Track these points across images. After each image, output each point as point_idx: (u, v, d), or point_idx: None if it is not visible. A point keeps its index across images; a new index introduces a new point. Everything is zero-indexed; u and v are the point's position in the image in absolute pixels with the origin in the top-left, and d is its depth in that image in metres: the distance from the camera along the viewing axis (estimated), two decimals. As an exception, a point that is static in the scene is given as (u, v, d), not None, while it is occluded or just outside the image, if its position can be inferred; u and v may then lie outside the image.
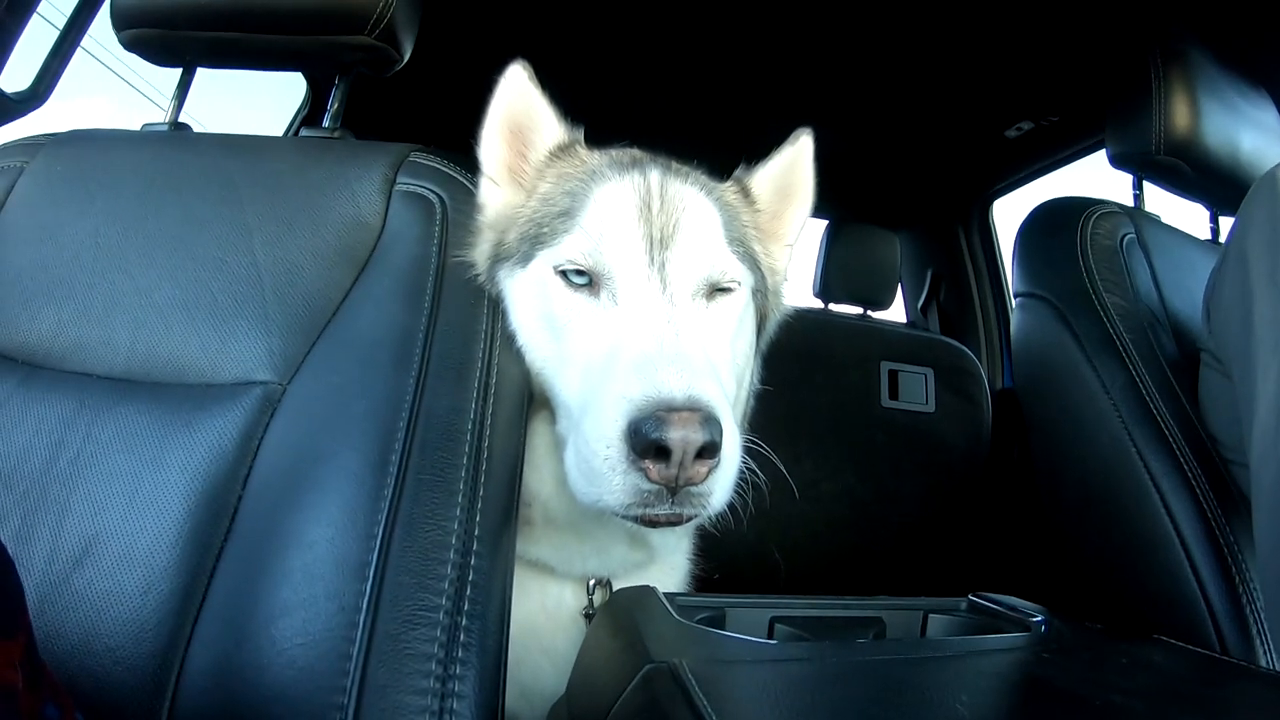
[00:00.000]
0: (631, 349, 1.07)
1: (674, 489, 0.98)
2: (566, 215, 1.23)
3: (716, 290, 1.24)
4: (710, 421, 0.95)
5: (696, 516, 1.05)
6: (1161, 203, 2.14)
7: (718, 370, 1.14)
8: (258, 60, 1.48)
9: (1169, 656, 1.21)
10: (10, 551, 0.64)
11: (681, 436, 0.93)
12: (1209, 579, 1.53)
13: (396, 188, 1.25)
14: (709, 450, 0.96)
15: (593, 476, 1.01)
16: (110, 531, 0.99)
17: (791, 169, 1.48)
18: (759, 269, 1.35)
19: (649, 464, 0.96)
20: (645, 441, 0.94)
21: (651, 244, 1.18)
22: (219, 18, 1.36)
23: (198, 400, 1.07)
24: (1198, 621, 1.52)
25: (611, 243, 1.18)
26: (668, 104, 3.00)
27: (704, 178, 1.36)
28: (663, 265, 1.18)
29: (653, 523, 1.04)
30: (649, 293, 1.16)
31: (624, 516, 1.04)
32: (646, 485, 0.98)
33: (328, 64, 1.44)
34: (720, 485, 1.03)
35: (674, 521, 1.05)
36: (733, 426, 1.04)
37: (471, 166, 1.34)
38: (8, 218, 1.27)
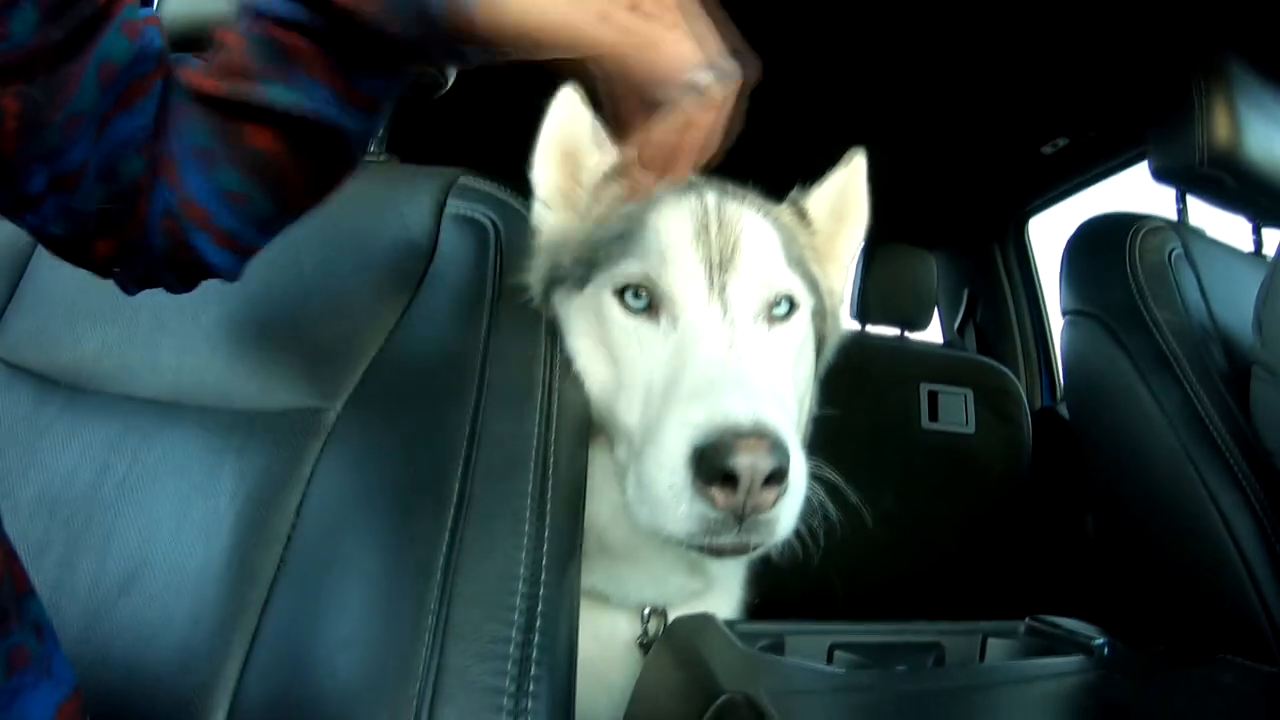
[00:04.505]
0: (694, 374, 1.05)
1: (740, 517, 0.95)
2: (623, 238, 1.21)
3: (777, 312, 1.22)
4: (777, 447, 0.92)
5: (763, 545, 1.02)
6: (1200, 216, 2.13)
7: (781, 394, 1.13)
8: None
9: (1240, 678, 1.19)
10: (53, 577, 0.64)
11: (749, 463, 0.90)
12: (1271, 596, 1.50)
13: (447, 212, 1.23)
14: (777, 476, 0.93)
15: (656, 505, 0.98)
16: (158, 558, 0.98)
17: (845, 190, 1.46)
18: (818, 291, 1.33)
19: (715, 491, 0.93)
20: (712, 468, 0.91)
21: (710, 266, 1.16)
22: None
23: (247, 425, 1.06)
24: (1260, 639, 1.49)
25: (670, 266, 1.16)
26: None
27: (760, 199, 1.33)
28: (723, 288, 1.16)
29: (718, 552, 1.01)
30: (710, 316, 1.14)
31: (688, 546, 1.01)
32: (712, 513, 0.94)
33: None
34: (787, 512, 0.99)
35: (740, 551, 1.01)
36: (799, 452, 1.01)
37: (519, 190, 1.32)
38: None
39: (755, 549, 1.03)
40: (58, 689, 0.63)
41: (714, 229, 1.20)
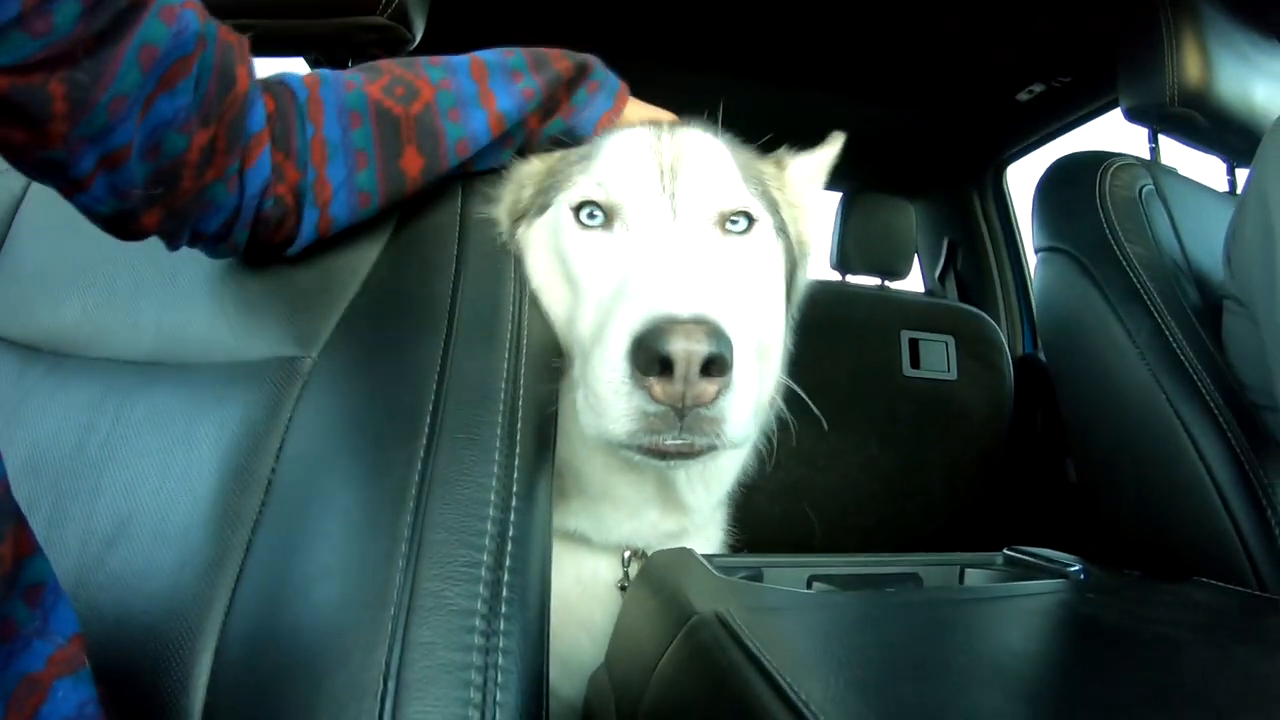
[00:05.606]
0: (640, 274, 1.05)
1: (681, 412, 0.94)
2: (582, 161, 1.25)
3: (733, 226, 1.23)
4: (716, 334, 0.91)
5: (712, 448, 1.00)
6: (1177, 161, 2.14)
7: (733, 300, 1.11)
8: (270, 47, 1.46)
9: (1211, 595, 1.21)
10: (42, 536, 0.66)
11: (684, 347, 0.89)
12: (1244, 522, 1.52)
13: None
14: (717, 366, 0.92)
15: (599, 406, 0.98)
16: (143, 510, 0.99)
17: (823, 162, 1.51)
18: (779, 215, 1.34)
19: (653, 382, 0.92)
20: (648, 355, 0.91)
21: (662, 174, 1.19)
22: (231, 6, 1.35)
23: (227, 378, 1.07)
24: (1235, 565, 1.52)
25: (623, 175, 1.19)
26: (678, 71, 2.95)
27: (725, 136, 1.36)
28: (673, 195, 1.18)
29: (662, 454, 1.00)
30: (658, 218, 1.16)
31: (630, 447, 1.00)
32: (651, 407, 0.94)
33: (340, 47, 1.43)
34: (734, 412, 0.97)
35: (685, 453, 1.00)
36: (746, 352, 1.00)
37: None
38: (28, 210, 1.27)
39: (702, 453, 1.01)
40: (51, 642, 0.64)
41: (667, 141, 1.23)
